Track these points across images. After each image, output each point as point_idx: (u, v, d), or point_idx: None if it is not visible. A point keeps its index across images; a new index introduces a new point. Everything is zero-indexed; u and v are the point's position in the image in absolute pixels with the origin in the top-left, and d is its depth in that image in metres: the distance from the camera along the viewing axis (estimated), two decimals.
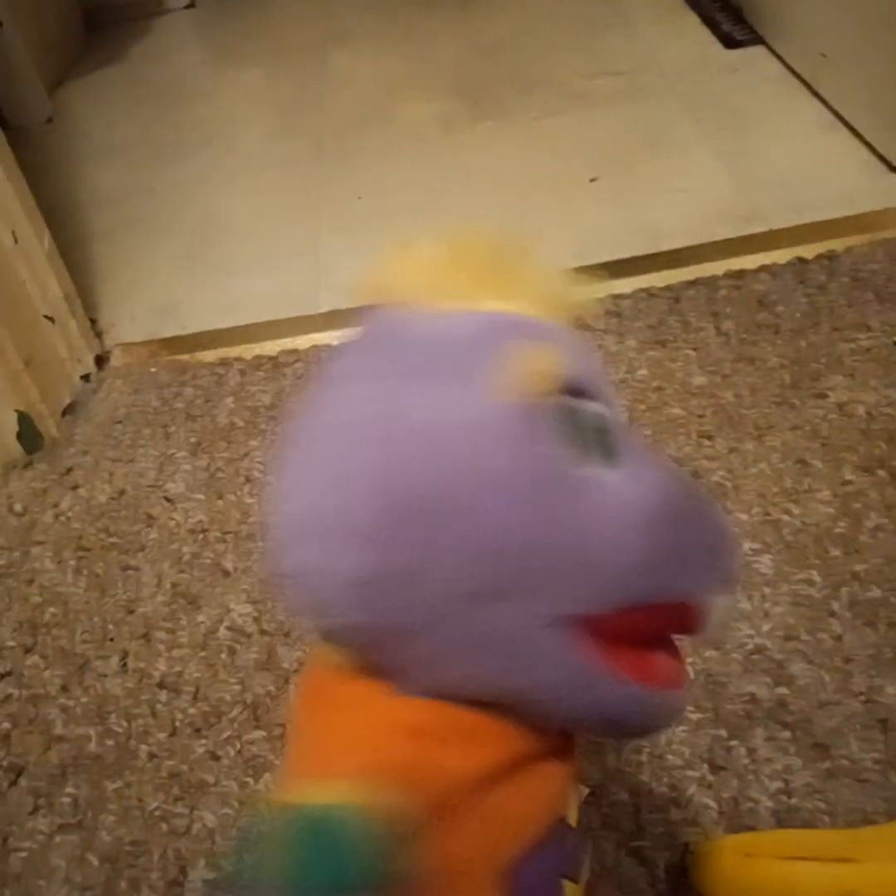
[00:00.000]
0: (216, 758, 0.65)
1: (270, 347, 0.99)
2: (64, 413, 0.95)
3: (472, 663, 0.30)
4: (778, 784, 0.58)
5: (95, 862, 0.61)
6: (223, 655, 0.71)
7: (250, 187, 1.34)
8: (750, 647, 0.65)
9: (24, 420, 0.90)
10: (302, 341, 0.99)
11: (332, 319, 1.02)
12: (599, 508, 0.29)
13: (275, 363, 0.96)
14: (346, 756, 0.31)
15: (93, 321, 1.05)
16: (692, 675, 0.31)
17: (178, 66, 1.78)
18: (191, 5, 1.96)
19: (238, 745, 0.65)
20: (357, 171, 1.32)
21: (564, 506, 0.29)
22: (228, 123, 1.54)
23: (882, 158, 1.11)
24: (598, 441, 0.30)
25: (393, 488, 0.29)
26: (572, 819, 0.35)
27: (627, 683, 0.31)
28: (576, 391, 0.30)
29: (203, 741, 0.66)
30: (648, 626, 0.31)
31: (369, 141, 1.38)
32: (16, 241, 0.89)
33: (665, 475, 0.32)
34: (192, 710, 0.68)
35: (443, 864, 0.29)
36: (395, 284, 0.32)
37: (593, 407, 0.31)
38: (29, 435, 0.90)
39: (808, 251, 0.99)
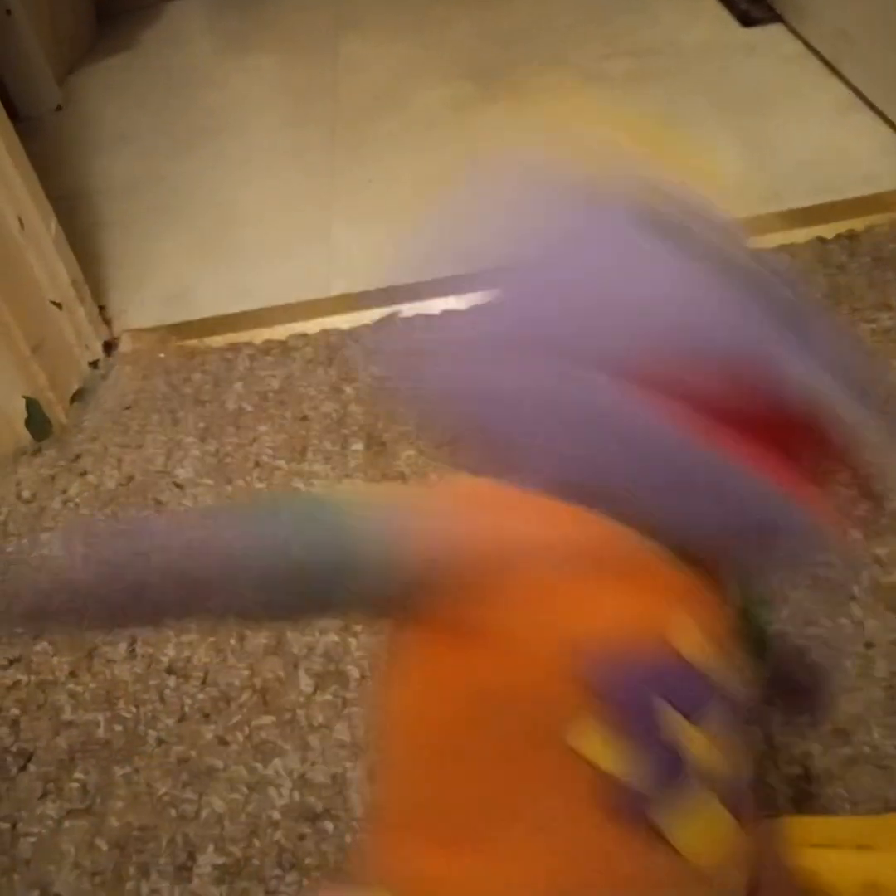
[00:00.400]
0: (225, 743, 0.64)
1: (280, 332, 0.98)
2: (72, 399, 0.95)
3: (599, 450, 0.31)
4: (797, 770, 0.57)
5: (104, 847, 0.60)
6: (232, 640, 0.70)
7: (262, 174, 1.33)
8: (769, 631, 0.64)
9: (33, 406, 0.89)
10: (312, 325, 0.98)
11: (343, 303, 1.01)
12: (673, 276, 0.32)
13: (284, 347, 0.95)
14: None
15: (102, 308, 1.04)
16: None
17: (189, 53, 1.77)
18: None
19: (247, 730, 0.65)
20: (369, 157, 1.30)
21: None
22: (240, 111, 1.53)
23: None
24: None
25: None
26: (691, 653, 0.33)
27: (764, 480, 0.29)
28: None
29: (212, 726, 0.65)
30: (763, 412, 0.30)
31: (382, 127, 1.37)
32: (22, 227, 0.88)
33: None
34: (200, 696, 0.67)
35: (513, 625, 0.31)
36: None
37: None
38: (37, 421, 0.90)
39: (828, 231, 0.97)
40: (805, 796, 0.55)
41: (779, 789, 0.56)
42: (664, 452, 0.30)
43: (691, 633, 0.33)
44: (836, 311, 0.87)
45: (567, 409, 0.31)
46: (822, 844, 0.48)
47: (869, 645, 0.62)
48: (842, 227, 0.97)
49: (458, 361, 0.34)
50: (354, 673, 0.66)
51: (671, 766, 0.31)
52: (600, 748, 0.30)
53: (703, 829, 0.32)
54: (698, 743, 0.32)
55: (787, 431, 0.31)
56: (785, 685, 0.44)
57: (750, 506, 0.30)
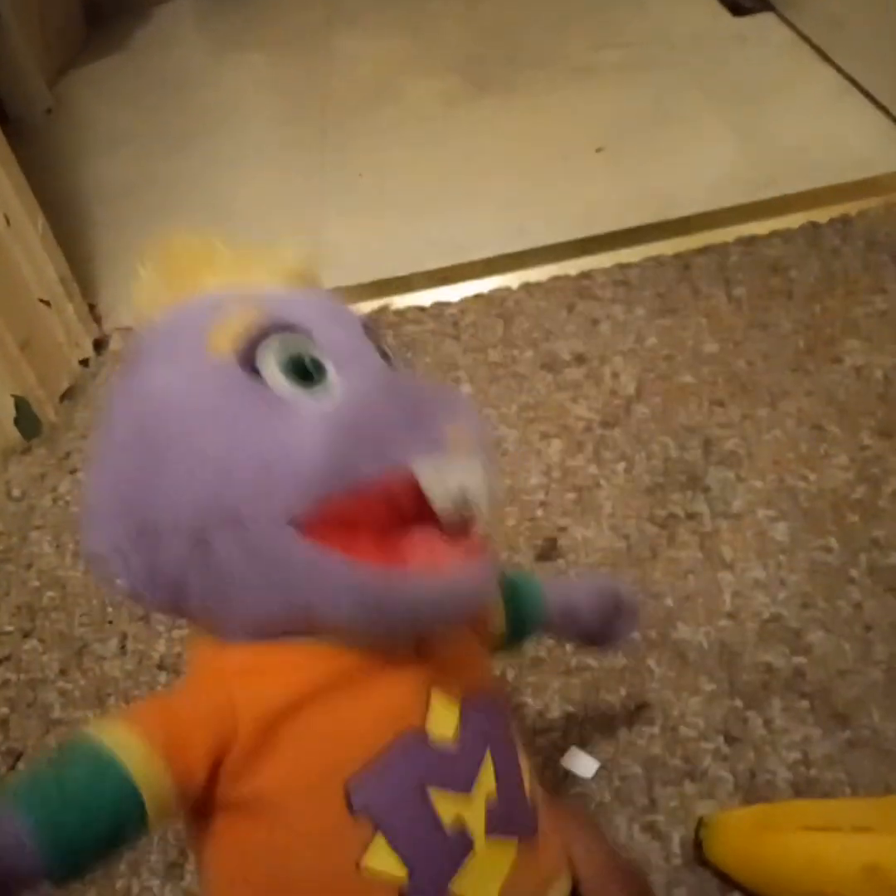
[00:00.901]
0: None
1: None
2: (62, 398, 0.94)
3: (241, 593, 0.33)
4: (796, 755, 0.56)
5: None
6: None
7: (255, 173, 1.32)
8: (765, 615, 0.63)
9: (22, 405, 0.88)
10: None
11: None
12: (287, 426, 0.33)
13: None
14: (147, 705, 0.36)
15: (92, 306, 1.04)
16: (490, 558, 0.31)
17: (180, 54, 1.76)
18: None
19: None
20: (361, 152, 1.30)
21: (259, 430, 0.33)
22: (232, 110, 1.52)
23: None
24: (293, 367, 0.34)
25: (121, 456, 0.35)
26: (440, 729, 0.35)
27: (366, 567, 0.32)
28: (275, 329, 0.34)
29: None
30: (365, 510, 0.32)
31: (374, 122, 1.36)
32: (8, 224, 0.87)
33: (370, 378, 0.35)
34: None
35: (283, 786, 0.33)
36: (145, 305, 0.39)
37: (285, 336, 0.34)
38: (27, 420, 0.89)
39: (822, 215, 0.96)
40: (805, 781, 0.54)
41: (778, 774, 0.55)
42: (308, 580, 0.33)
43: (440, 710, 0.36)
44: (830, 295, 0.86)
45: (263, 569, 0.33)
46: (821, 828, 0.47)
47: (868, 628, 0.61)
48: (835, 211, 0.96)
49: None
50: None
51: (457, 844, 0.34)
52: (392, 861, 0.33)
53: (490, 879, 0.35)
54: (475, 806, 0.35)
55: (376, 510, 0.33)
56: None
57: (370, 595, 0.33)
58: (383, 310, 0.98)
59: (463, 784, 0.35)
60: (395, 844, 0.33)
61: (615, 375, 0.83)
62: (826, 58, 1.22)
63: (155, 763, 0.31)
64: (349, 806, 0.33)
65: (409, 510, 0.33)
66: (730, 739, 0.57)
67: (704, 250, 0.95)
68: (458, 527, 0.33)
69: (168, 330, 0.37)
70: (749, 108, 1.19)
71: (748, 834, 0.49)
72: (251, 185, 1.29)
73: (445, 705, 0.36)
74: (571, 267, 0.98)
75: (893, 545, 0.65)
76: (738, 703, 0.59)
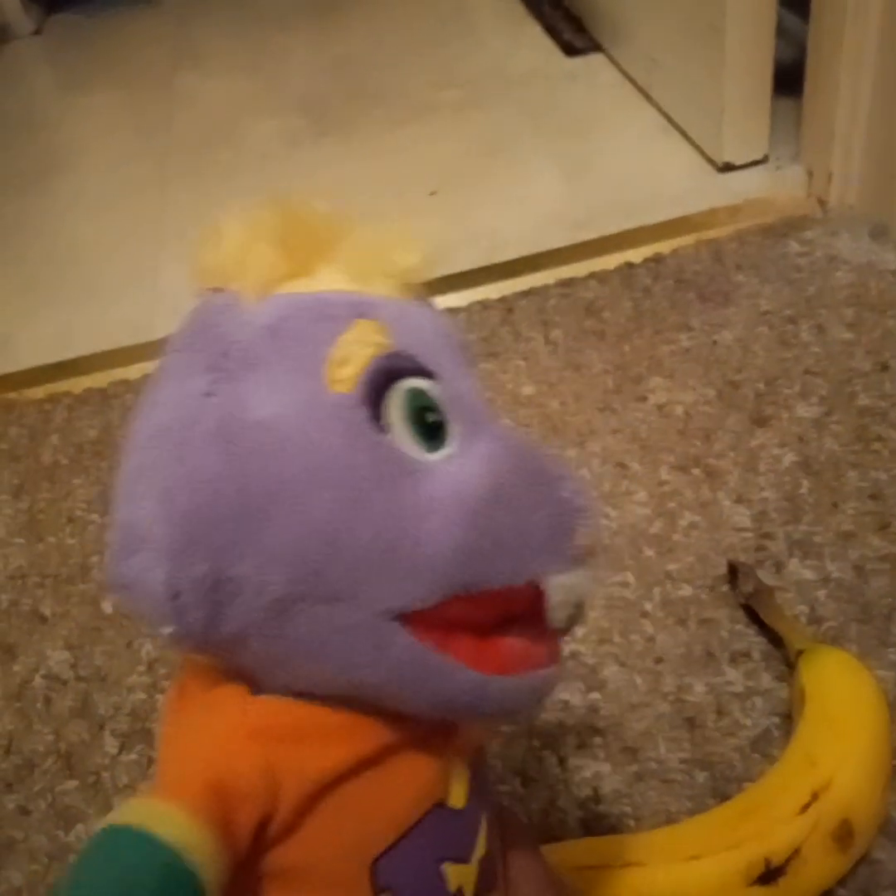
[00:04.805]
0: (27, 812, 0.63)
1: (100, 379, 0.96)
2: None
3: (309, 662, 0.30)
4: (587, 792, 0.58)
5: None
6: (38, 704, 0.69)
7: (90, 215, 1.31)
8: (564, 653, 0.65)
9: None
10: (134, 371, 0.96)
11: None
12: (419, 500, 0.29)
13: (104, 395, 0.94)
14: (184, 769, 0.30)
15: None
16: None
17: (23, 94, 1.73)
18: (37, 32, 1.91)
19: (50, 797, 0.63)
20: (201, 194, 1.29)
21: (385, 500, 0.28)
22: (75, 151, 1.50)
23: (709, 160, 1.13)
24: (421, 423, 0.30)
25: (210, 492, 0.28)
26: (457, 800, 0.34)
27: (462, 670, 0.30)
28: (408, 372, 0.30)
29: (14, 796, 0.64)
30: (481, 613, 0.30)
31: (214, 162, 1.36)
32: None
33: (500, 449, 0.31)
34: (3, 765, 0.66)
35: (311, 861, 0.30)
36: (217, 269, 0.31)
37: (417, 384, 0.30)
38: None
39: (637, 255, 1.00)
40: (594, 817, 0.57)
41: (569, 812, 0.57)
42: (395, 670, 0.30)
43: (457, 781, 0.35)
44: (639, 334, 0.90)
45: (344, 652, 0.29)
46: (593, 866, 0.50)
47: (658, 660, 0.64)
48: (650, 250, 1.01)
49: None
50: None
51: None
52: None
53: None
54: (471, 870, 0.35)
55: (487, 614, 0.31)
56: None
57: (451, 694, 0.31)
58: None
59: (468, 853, 0.35)
60: None
61: None
62: (647, 97, 1.28)
63: (217, 858, 0.27)
64: (374, 885, 0.32)
65: (516, 613, 0.31)
66: (526, 780, 0.59)
67: (527, 293, 0.98)
68: (558, 631, 0.32)
69: (272, 331, 0.30)
70: (576, 146, 1.23)
71: None
72: (86, 227, 1.28)
73: (461, 772, 0.35)
74: None
75: (685, 578, 0.69)
76: (536, 742, 0.61)
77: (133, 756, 0.64)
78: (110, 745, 0.65)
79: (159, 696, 0.67)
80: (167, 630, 0.29)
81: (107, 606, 0.74)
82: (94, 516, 0.81)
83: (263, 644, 0.29)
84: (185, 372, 0.30)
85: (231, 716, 0.31)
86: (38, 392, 0.97)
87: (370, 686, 0.30)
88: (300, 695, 0.31)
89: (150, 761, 0.64)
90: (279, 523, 0.28)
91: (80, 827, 0.61)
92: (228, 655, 0.31)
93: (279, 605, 0.28)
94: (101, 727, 0.66)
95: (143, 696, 0.68)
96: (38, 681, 0.70)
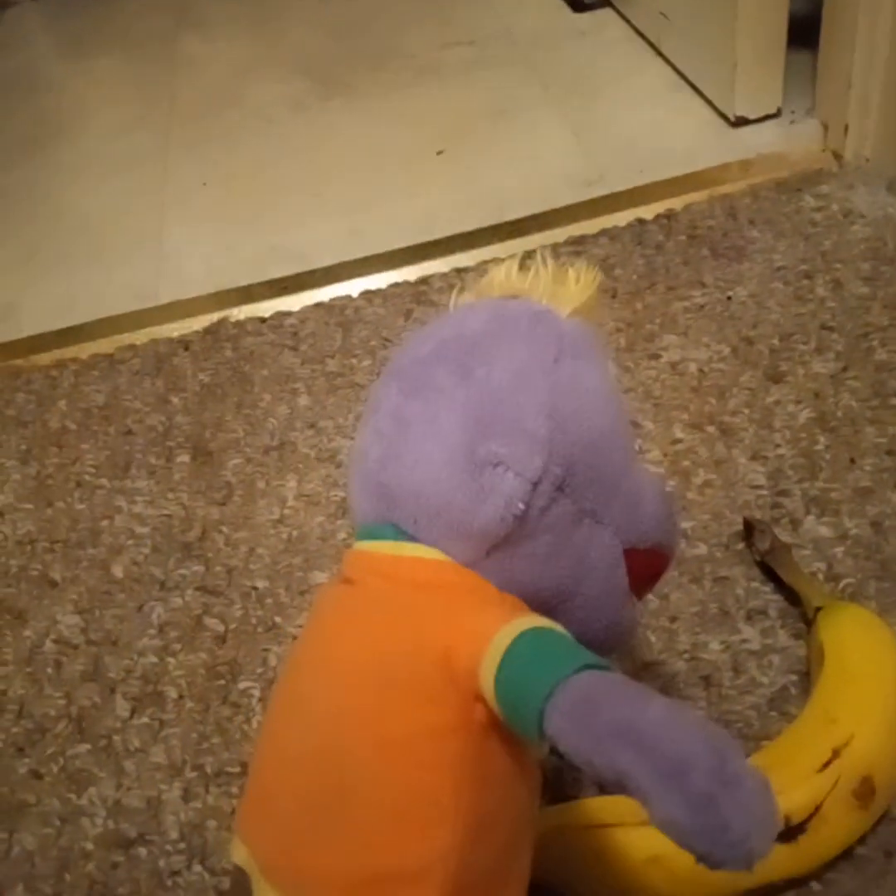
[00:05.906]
0: (39, 776, 0.63)
1: (107, 345, 0.95)
2: None
3: (560, 563, 0.41)
4: None
5: None
6: (49, 669, 0.68)
7: (94, 181, 1.29)
8: None
9: None
10: (140, 335, 0.96)
11: (172, 310, 0.99)
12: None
13: (111, 361, 0.93)
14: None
15: None
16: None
17: (25, 59, 1.71)
18: None
19: (61, 761, 0.63)
20: (205, 158, 1.28)
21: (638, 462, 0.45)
22: (77, 116, 1.48)
23: (722, 115, 1.11)
24: None
25: (561, 412, 0.40)
26: None
27: (632, 604, 0.46)
28: None
29: (26, 760, 0.64)
30: (652, 563, 0.46)
31: (218, 127, 1.34)
32: None
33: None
34: (15, 729, 0.65)
35: None
36: (526, 289, 0.48)
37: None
38: None
39: (648, 211, 0.99)
40: None
41: (584, 771, 0.57)
42: (606, 591, 0.44)
43: None
44: (652, 292, 0.88)
45: (591, 563, 0.43)
46: (608, 824, 0.49)
47: (673, 618, 0.63)
48: (661, 206, 0.99)
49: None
50: (172, 694, 0.65)
51: None
52: None
53: None
54: None
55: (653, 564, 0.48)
56: None
57: (623, 618, 0.47)
58: (222, 322, 0.97)
59: None
60: None
61: None
62: (658, 52, 1.25)
63: None
64: None
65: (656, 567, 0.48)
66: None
67: (537, 251, 0.96)
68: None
69: (585, 332, 0.45)
70: (585, 103, 1.21)
71: (547, 832, 0.51)
72: (90, 193, 1.26)
73: None
74: (410, 272, 0.99)
75: (700, 536, 0.68)
76: None
77: (144, 719, 0.64)
78: (121, 708, 0.65)
79: (170, 660, 0.67)
80: (518, 506, 0.39)
81: (117, 570, 0.74)
82: (103, 481, 0.81)
83: (550, 539, 0.41)
84: (538, 345, 0.42)
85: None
86: (45, 358, 0.96)
87: (581, 593, 0.42)
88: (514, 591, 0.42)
89: (162, 724, 0.64)
90: (602, 460, 0.42)
91: (91, 790, 0.61)
92: (501, 556, 0.40)
93: (580, 515, 0.41)
94: (112, 691, 0.66)
95: (153, 659, 0.67)
96: (48, 645, 0.70)
